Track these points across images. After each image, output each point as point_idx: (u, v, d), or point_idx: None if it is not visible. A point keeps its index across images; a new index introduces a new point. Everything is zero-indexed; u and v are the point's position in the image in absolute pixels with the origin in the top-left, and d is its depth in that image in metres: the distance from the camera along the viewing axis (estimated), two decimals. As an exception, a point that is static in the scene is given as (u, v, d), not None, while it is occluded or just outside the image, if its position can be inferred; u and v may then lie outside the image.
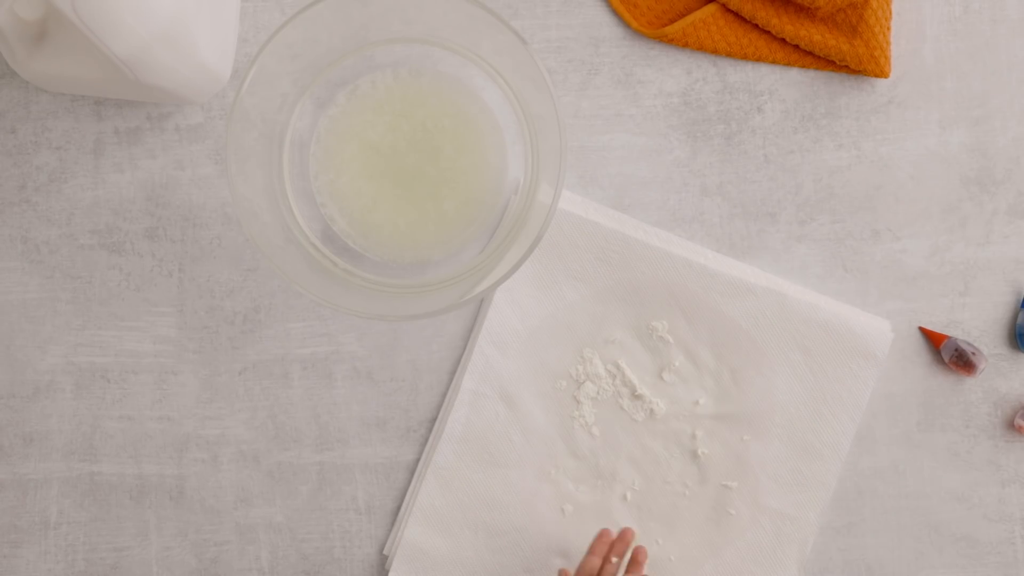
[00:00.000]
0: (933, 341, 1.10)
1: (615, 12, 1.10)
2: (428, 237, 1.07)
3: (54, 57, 0.97)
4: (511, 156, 1.07)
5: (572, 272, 1.10)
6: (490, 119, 1.06)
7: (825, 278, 1.10)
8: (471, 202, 1.07)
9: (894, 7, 1.10)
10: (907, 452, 1.10)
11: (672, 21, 1.10)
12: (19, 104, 1.10)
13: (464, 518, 1.10)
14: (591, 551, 1.03)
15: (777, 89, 1.10)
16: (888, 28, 1.07)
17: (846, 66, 1.08)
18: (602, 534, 1.04)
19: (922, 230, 1.10)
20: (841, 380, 1.09)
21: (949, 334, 1.10)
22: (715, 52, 1.09)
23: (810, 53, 1.09)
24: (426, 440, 1.11)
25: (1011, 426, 1.10)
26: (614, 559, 1.03)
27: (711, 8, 1.08)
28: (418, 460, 1.11)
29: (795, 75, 1.11)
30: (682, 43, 1.09)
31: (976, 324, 1.10)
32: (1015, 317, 1.10)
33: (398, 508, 1.11)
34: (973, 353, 1.08)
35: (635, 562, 1.03)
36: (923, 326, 1.10)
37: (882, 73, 1.08)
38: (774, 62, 1.10)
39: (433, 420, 1.11)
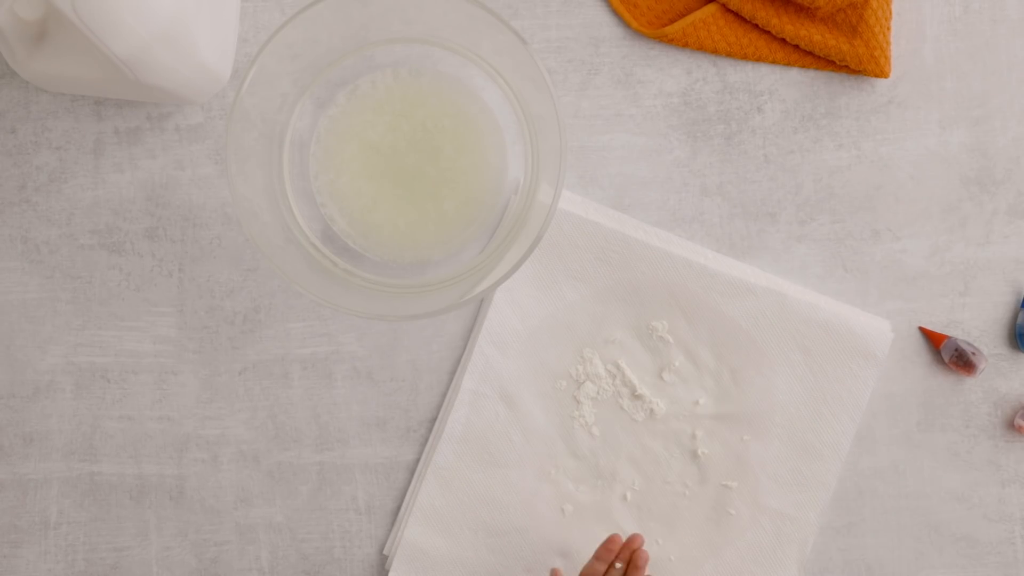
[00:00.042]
0: (933, 341, 1.10)
1: (615, 12, 1.10)
2: (428, 237, 1.07)
3: (54, 57, 0.97)
4: (511, 156, 1.07)
5: (572, 272, 1.10)
6: (490, 119, 1.06)
7: (825, 278, 1.10)
8: (471, 202, 1.07)
9: (894, 7, 1.10)
10: (907, 452, 1.10)
11: (672, 21, 1.10)
12: (19, 104, 1.10)
13: (464, 518, 1.09)
14: (597, 556, 1.03)
15: (777, 89, 1.10)
16: (888, 28, 1.07)
17: (846, 66, 1.08)
18: (611, 539, 1.03)
19: (922, 230, 1.10)
20: (841, 380, 1.09)
21: (949, 334, 1.10)
22: (715, 52, 1.09)
23: (810, 53, 1.09)
24: (426, 440, 1.11)
25: (1011, 426, 1.10)
26: (618, 565, 1.02)
27: (711, 8, 1.08)
28: (418, 460, 1.11)
29: (795, 75, 1.11)
30: (682, 43, 1.09)
31: (976, 324, 1.10)
32: (1015, 317, 1.10)
33: (398, 508, 1.11)
34: (973, 353, 1.08)
35: (635, 567, 1.02)
36: (923, 326, 1.10)
37: (882, 73, 1.08)
38: (774, 62, 1.10)
39: (433, 420, 1.11)
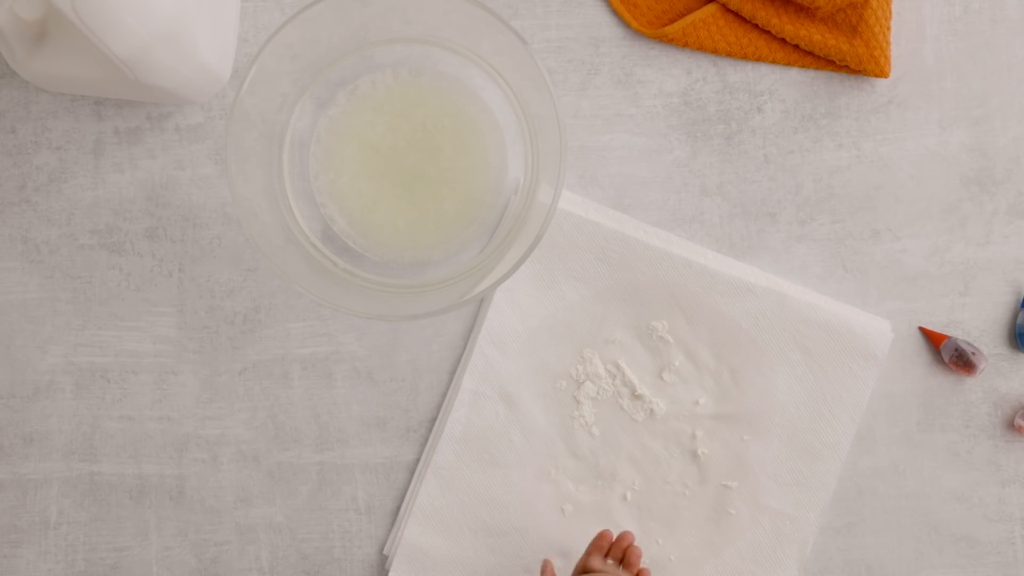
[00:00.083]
0: (933, 341, 1.10)
1: (615, 12, 1.10)
2: (428, 237, 1.07)
3: (54, 57, 0.97)
4: (511, 156, 1.07)
5: (572, 272, 1.10)
6: (490, 119, 1.06)
7: (825, 278, 1.10)
8: (471, 202, 1.07)
9: (894, 7, 1.10)
10: (907, 452, 1.10)
11: (672, 21, 1.10)
12: (19, 104, 1.10)
13: (464, 518, 1.09)
14: (591, 550, 1.03)
15: (777, 89, 1.10)
16: (888, 28, 1.07)
17: (846, 66, 1.08)
18: (603, 534, 1.04)
19: (922, 230, 1.10)
20: (841, 380, 1.09)
21: (949, 334, 1.10)
22: (715, 52, 1.09)
23: (810, 53, 1.09)
24: (426, 440, 1.11)
25: (1011, 426, 1.10)
26: (609, 561, 1.03)
27: (711, 8, 1.08)
28: (418, 460, 1.11)
29: (795, 75, 1.11)
30: (682, 43, 1.09)
31: (976, 324, 1.10)
32: (1015, 317, 1.10)
33: (398, 508, 1.11)
34: (973, 353, 1.08)
35: (628, 563, 1.03)
36: (923, 326, 1.10)
37: (882, 73, 1.08)
38: (774, 62, 1.10)
39: (433, 420, 1.11)
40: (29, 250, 1.10)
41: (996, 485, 1.10)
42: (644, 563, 1.09)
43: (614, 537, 1.04)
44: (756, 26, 1.09)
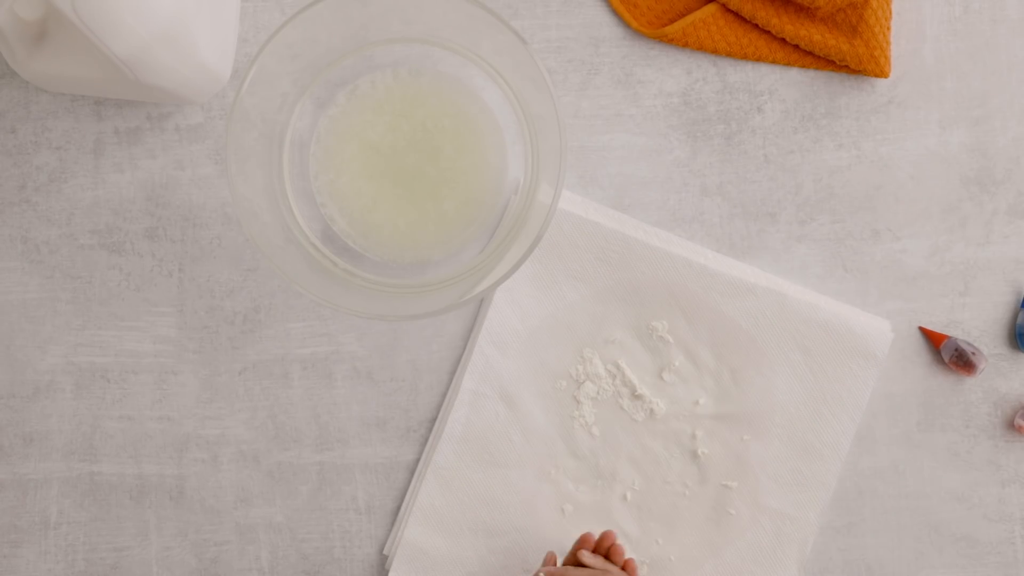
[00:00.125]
0: (933, 341, 1.10)
1: (615, 12, 1.10)
2: (428, 237, 1.07)
3: (54, 57, 0.97)
4: (511, 156, 1.07)
5: (572, 272, 1.10)
6: (490, 119, 1.06)
7: (825, 278, 1.10)
8: (471, 202, 1.07)
9: (894, 7, 1.10)
10: (907, 452, 1.10)
11: (672, 21, 1.10)
12: (19, 104, 1.10)
13: (464, 518, 1.10)
14: (573, 551, 1.03)
15: (777, 89, 1.10)
16: (888, 28, 1.07)
17: (846, 66, 1.08)
18: (584, 538, 1.03)
19: (922, 230, 1.10)
20: (841, 380, 1.09)
21: (949, 334, 1.10)
22: (715, 52, 1.09)
23: (810, 53, 1.09)
24: (426, 440, 1.11)
25: (1011, 426, 1.10)
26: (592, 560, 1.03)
27: (711, 8, 1.08)
28: (418, 460, 1.11)
29: (795, 75, 1.11)
30: (682, 43, 1.09)
31: (976, 324, 1.10)
32: (1015, 317, 1.10)
33: (398, 508, 1.11)
34: (973, 353, 1.08)
35: (611, 560, 1.03)
36: (923, 326, 1.10)
37: (882, 73, 1.08)
38: (774, 62, 1.10)
39: (433, 420, 1.11)
40: (29, 250, 1.10)
41: (996, 485, 1.10)
42: (644, 563, 1.09)
43: (595, 538, 1.04)
44: (756, 26, 1.09)
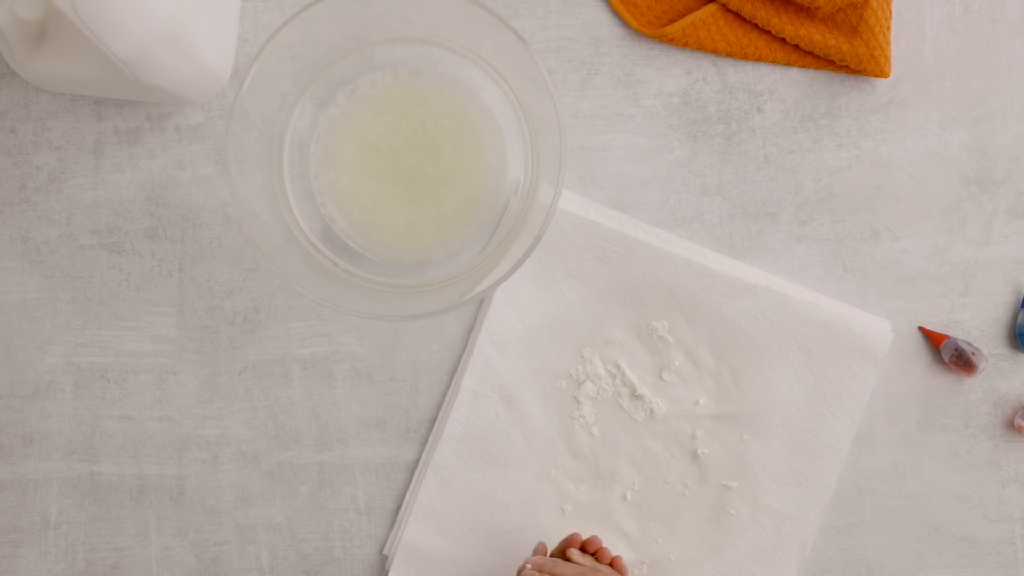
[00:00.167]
0: (933, 341, 1.10)
1: (615, 12, 1.10)
2: (428, 237, 1.07)
3: (54, 57, 0.97)
4: (511, 156, 1.07)
5: (572, 272, 1.10)
6: (490, 119, 1.06)
7: (825, 278, 1.10)
8: (471, 202, 1.07)
9: (894, 7, 1.10)
10: (907, 452, 1.10)
11: (672, 21, 1.10)
12: (19, 104, 1.10)
13: (464, 518, 1.09)
14: (561, 548, 1.03)
15: (777, 89, 1.10)
16: (888, 28, 1.07)
17: (846, 66, 1.08)
18: (571, 538, 1.03)
19: (922, 230, 1.10)
20: (841, 380, 1.09)
21: (949, 334, 1.10)
22: (715, 52, 1.09)
23: (810, 53, 1.09)
24: (426, 440, 1.11)
25: (1011, 426, 1.10)
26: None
27: (711, 8, 1.08)
28: (418, 460, 1.11)
29: (795, 75, 1.11)
30: (682, 43, 1.09)
31: (976, 324, 1.10)
32: (1015, 317, 1.10)
33: (398, 508, 1.11)
34: (973, 353, 1.08)
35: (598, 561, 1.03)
36: (923, 326, 1.10)
37: (882, 73, 1.08)
38: (774, 62, 1.10)
39: (433, 420, 1.11)
40: (29, 250, 1.10)
41: (996, 485, 1.10)
42: (644, 563, 1.09)
43: (582, 539, 1.04)
44: (756, 26, 1.09)
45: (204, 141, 1.10)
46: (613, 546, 1.09)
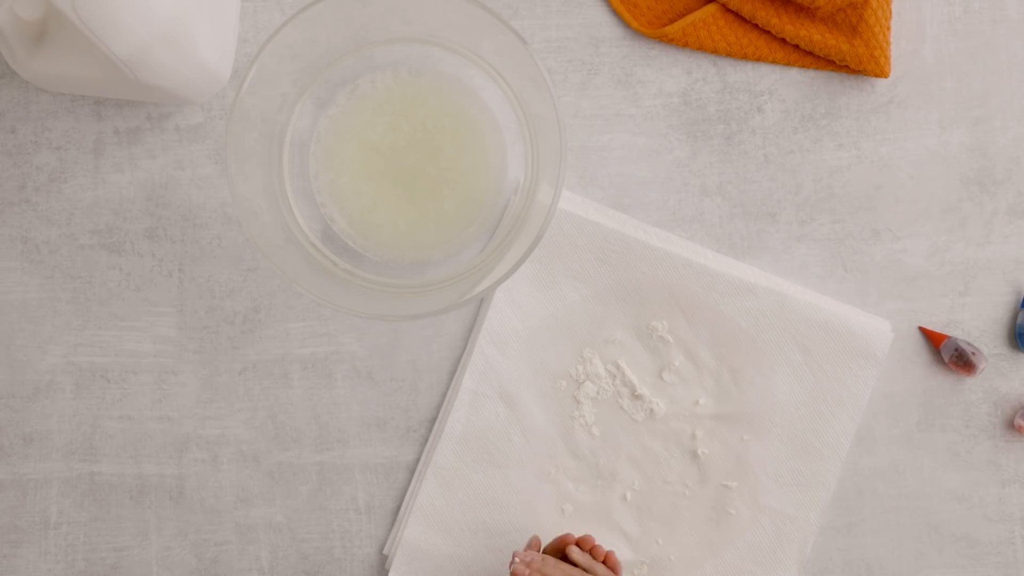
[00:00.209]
0: (933, 341, 1.10)
1: (615, 12, 1.10)
2: (428, 237, 1.07)
3: (54, 57, 0.97)
4: (511, 156, 1.07)
5: (572, 272, 1.10)
6: (490, 119, 1.06)
7: (825, 278, 1.10)
8: (471, 202, 1.07)
9: (894, 7, 1.10)
10: (907, 452, 1.10)
11: (672, 21, 1.10)
12: (19, 104, 1.11)
13: (464, 518, 1.10)
14: (556, 547, 1.03)
15: (777, 89, 1.10)
16: (888, 28, 1.07)
17: (846, 66, 1.08)
18: (564, 538, 1.03)
19: (922, 230, 1.10)
20: (841, 380, 1.09)
21: (949, 334, 1.10)
22: (715, 52, 1.09)
23: (810, 53, 1.09)
24: (426, 440, 1.11)
25: (1011, 426, 1.10)
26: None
27: (711, 8, 1.08)
28: (418, 460, 1.11)
29: (795, 75, 1.11)
30: (682, 43, 1.09)
31: (976, 324, 1.10)
32: (1015, 317, 1.10)
33: (398, 508, 1.11)
34: (973, 353, 1.08)
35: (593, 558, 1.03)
36: (923, 326, 1.10)
37: (882, 73, 1.08)
38: (774, 62, 1.10)
39: (433, 420, 1.11)
40: (29, 250, 1.10)
41: (996, 485, 1.10)
42: (644, 563, 1.09)
43: (574, 539, 1.04)
44: (756, 26, 1.09)
45: (204, 141, 1.10)
46: (613, 546, 1.09)
